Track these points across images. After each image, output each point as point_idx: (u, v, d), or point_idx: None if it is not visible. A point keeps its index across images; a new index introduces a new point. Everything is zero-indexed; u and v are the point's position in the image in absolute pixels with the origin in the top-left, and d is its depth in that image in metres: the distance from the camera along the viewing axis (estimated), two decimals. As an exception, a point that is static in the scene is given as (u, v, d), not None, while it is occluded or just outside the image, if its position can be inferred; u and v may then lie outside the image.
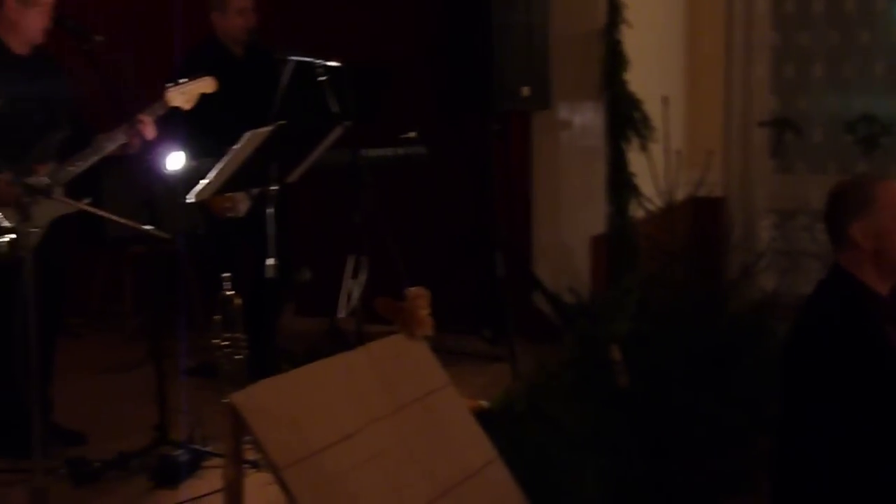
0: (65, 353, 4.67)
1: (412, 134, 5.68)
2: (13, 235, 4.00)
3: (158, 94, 4.55)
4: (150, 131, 4.32)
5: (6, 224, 4.08)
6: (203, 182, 4.29)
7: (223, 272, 4.57)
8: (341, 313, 5.08)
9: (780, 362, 3.22)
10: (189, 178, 4.41)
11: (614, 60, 6.13)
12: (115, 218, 3.89)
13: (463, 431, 3.59)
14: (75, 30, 4.25)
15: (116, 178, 4.52)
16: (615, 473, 4.28)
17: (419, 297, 3.64)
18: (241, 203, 5.25)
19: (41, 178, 3.84)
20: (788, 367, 3.20)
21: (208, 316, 4.59)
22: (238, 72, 5.29)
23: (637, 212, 6.29)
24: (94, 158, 4.28)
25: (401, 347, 3.61)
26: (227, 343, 4.54)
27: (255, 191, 5.04)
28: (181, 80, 4.50)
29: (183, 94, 4.48)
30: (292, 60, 5.02)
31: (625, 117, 6.18)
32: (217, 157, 4.40)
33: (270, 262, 4.36)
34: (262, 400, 2.99)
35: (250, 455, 3.30)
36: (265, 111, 5.05)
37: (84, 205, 3.93)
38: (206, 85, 4.58)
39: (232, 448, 2.99)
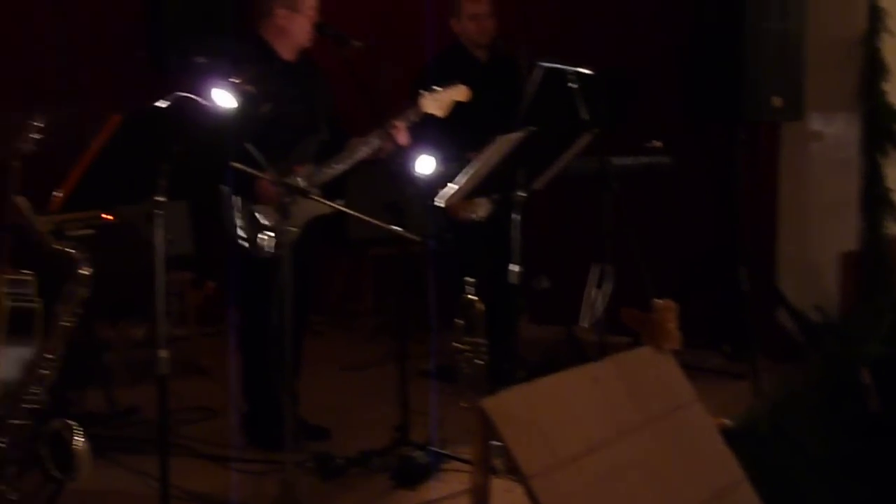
0: (306, 349, 4.83)
1: (657, 143, 5.62)
2: (271, 234, 4.20)
3: (410, 100, 4.67)
4: (403, 137, 4.42)
5: (265, 222, 4.27)
6: (451, 186, 4.35)
7: (463, 276, 4.64)
8: (584, 323, 5.06)
9: None
10: (433, 182, 4.50)
11: (873, 69, 5.89)
12: (370, 220, 3.99)
13: (710, 449, 3.52)
14: (335, 35, 4.39)
15: (360, 181, 4.65)
16: (866, 502, 4.11)
17: (667, 310, 3.58)
18: (481, 207, 5.31)
19: (299, 179, 3.99)
20: None
21: (446, 319, 4.68)
22: (481, 77, 5.35)
23: (893, 229, 6.02)
24: (350, 162, 4.42)
25: (648, 360, 3.56)
26: (468, 348, 4.61)
27: (496, 195, 5.10)
28: (435, 88, 4.58)
29: (436, 101, 4.57)
30: (541, 66, 5.04)
31: (883, 129, 5.93)
32: (458, 160, 4.45)
33: (514, 268, 4.39)
34: (512, 407, 3.01)
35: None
36: (507, 117, 5.09)
37: (340, 206, 4.04)
38: (460, 93, 4.65)
39: (480, 453, 3.01)
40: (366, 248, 6.51)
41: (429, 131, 4.69)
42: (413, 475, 4.19)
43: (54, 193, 3.34)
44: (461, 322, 4.59)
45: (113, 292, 5.08)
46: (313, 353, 5.40)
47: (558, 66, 4.87)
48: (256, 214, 4.32)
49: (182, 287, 5.97)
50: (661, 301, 3.58)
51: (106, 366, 5.22)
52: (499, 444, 2.86)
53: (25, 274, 4.55)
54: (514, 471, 2.90)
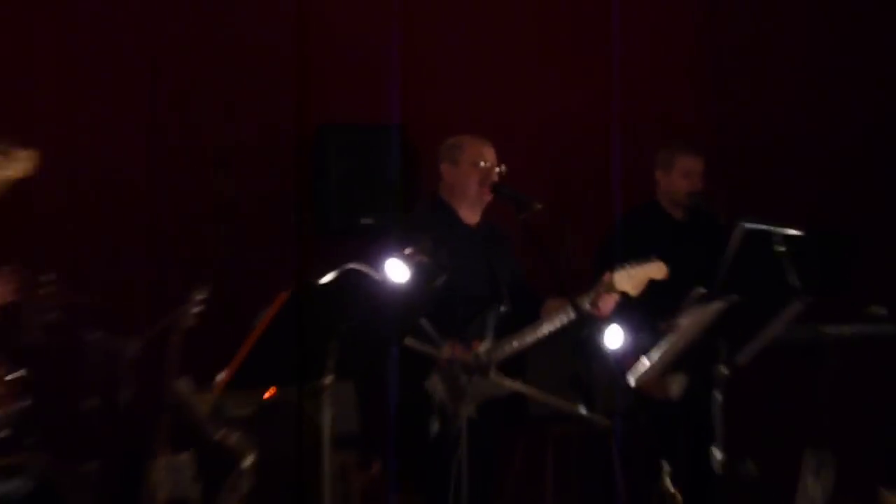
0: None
1: (879, 309, 5.38)
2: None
3: (597, 265, 4.63)
4: (605, 309, 4.35)
5: (437, 399, 4.22)
6: (644, 361, 4.25)
7: (658, 461, 4.49)
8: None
9: None
10: (623, 356, 4.42)
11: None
12: (550, 401, 3.92)
13: None
14: (512, 197, 4.37)
15: (542, 352, 4.58)
16: None
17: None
18: (676, 384, 5.16)
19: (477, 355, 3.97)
20: None
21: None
22: (678, 237, 5.26)
23: None
24: (532, 339, 4.35)
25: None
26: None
27: (694, 371, 4.96)
28: (626, 265, 4.49)
29: (631, 279, 4.45)
30: (743, 227, 4.92)
31: None
32: (650, 331, 4.34)
33: (718, 455, 4.23)
34: None
35: None
36: (707, 280, 4.97)
37: (518, 385, 3.98)
38: (656, 270, 4.52)
39: None
40: (547, 426, 6.40)
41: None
42: None
43: (218, 376, 3.37)
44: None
45: (275, 473, 5.12)
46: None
47: (762, 227, 4.76)
48: (428, 391, 4.27)
49: (346, 469, 5.94)
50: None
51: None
52: None
53: (183, 458, 4.63)
54: None
